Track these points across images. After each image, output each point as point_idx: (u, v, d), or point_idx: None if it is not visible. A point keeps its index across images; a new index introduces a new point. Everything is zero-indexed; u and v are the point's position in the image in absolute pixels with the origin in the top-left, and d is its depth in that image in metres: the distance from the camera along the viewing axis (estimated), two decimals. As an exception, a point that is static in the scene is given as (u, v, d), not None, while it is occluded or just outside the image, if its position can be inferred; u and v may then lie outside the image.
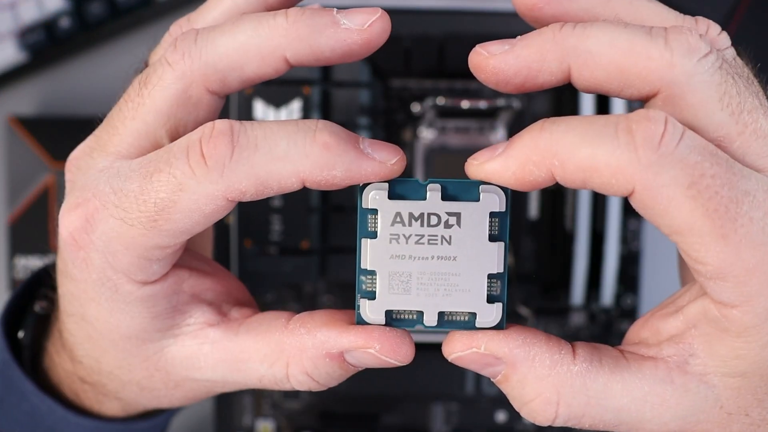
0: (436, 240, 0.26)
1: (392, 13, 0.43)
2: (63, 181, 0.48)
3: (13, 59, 0.48)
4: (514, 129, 0.43)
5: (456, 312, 0.26)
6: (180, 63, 0.26)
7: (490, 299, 0.26)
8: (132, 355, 0.28)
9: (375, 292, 0.26)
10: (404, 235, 0.25)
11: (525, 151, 0.24)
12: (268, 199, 0.40)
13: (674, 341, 0.25)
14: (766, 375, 0.24)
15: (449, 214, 0.26)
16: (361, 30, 0.25)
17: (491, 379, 0.26)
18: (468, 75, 0.42)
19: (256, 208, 0.40)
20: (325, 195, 0.40)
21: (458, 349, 0.26)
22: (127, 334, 0.28)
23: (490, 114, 0.43)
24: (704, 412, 0.25)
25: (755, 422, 0.25)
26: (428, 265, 0.26)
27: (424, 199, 0.26)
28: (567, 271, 0.42)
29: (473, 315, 0.26)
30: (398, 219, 0.25)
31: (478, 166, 0.25)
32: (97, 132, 0.28)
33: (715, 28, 0.28)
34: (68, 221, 0.27)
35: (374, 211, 0.25)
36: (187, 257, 0.29)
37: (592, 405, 0.25)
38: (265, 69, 0.26)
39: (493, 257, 0.26)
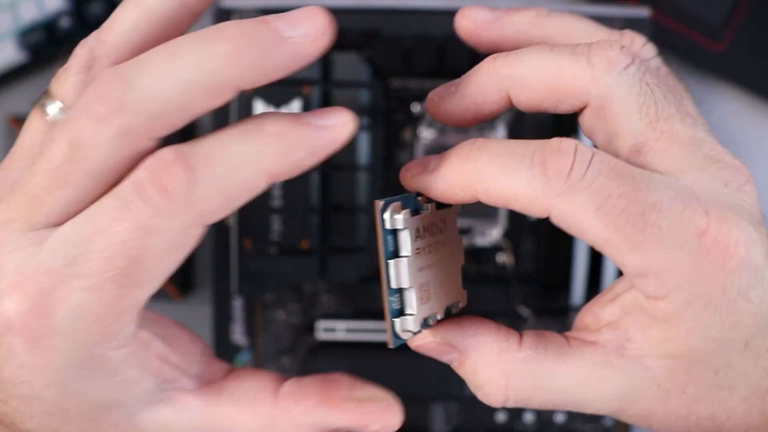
0: (437, 246, 0.28)
1: (392, 13, 0.43)
2: (63, 181, 0.48)
3: (13, 59, 0.48)
4: (514, 128, 0.43)
5: (452, 305, 0.29)
6: (116, 119, 0.23)
7: (463, 285, 0.29)
8: (100, 422, 0.26)
9: (409, 307, 0.27)
10: (423, 248, 0.27)
11: (452, 176, 0.26)
12: (268, 199, 0.40)
13: (612, 327, 0.27)
14: (695, 356, 0.26)
15: (440, 221, 0.28)
16: (311, 42, 0.24)
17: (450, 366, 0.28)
18: (468, 75, 0.43)
19: (256, 208, 0.40)
20: (325, 195, 0.40)
21: (419, 338, 0.28)
22: (99, 405, 0.25)
23: (490, 114, 0.43)
24: (643, 390, 0.27)
25: (691, 398, 0.26)
26: (436, 270, 0.27)
27: (427, 210, 0.27)
28: (567, 271, 0.42)
29: (457, 303, 0.29)
30: (418, 233, 0.27)
31: (410, 178, 0.27)
32: (12, 200, 0.24)
33: (639, 40, 0.30)
34: (16, 305, 0.23)
35: (397, 231, 0.26)
36: (151, 322, 0.27)
37: (539, 388, 0.27)
38: (217, 102, 0.24)
39: (461, 249, 0.29)
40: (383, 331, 0.43)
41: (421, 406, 0.44)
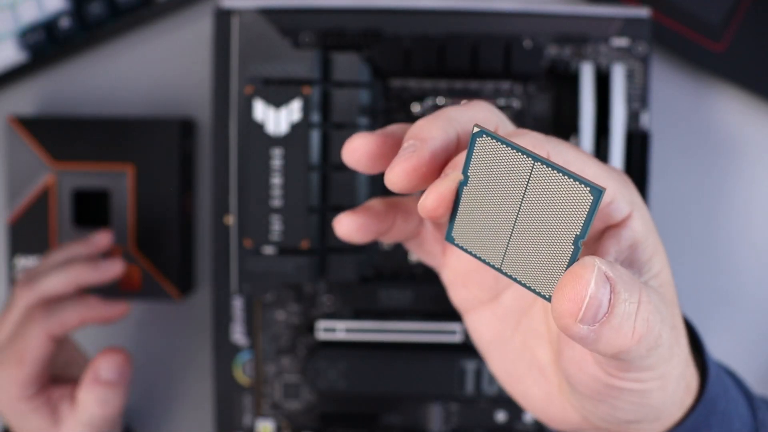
0: None
1: (392, 13, 0.43)
2: (63, 180, 0.48)
3: (13, 59, 0.48)
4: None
5: None
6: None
7: None
8: None
9: None
10: None
11: None
12: (268, 198, 0.40)
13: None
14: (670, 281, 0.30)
15: None
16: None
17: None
18: (468, 75, 0.43)
19: (256, 208, 0.40)
20: (325, 195, 0.40)
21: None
22: None
23: (490, 114, 0.43)
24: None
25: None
26: None
27: None
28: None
29: None
30: None
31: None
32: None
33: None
34: None
35: None
36: (61, 357, 0.47)
37: None
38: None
39: None
40: (383, 331, 0.43)
41: (421, 406, 0.44)
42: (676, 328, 0.29)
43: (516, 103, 0.43)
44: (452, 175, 0.26)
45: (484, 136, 0.25)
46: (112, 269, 0.44)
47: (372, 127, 0.41)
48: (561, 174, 0.24)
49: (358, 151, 0.30)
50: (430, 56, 0.42)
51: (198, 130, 0.50)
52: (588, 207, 0.24)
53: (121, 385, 0.43)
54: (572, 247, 0.24)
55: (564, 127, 0.43)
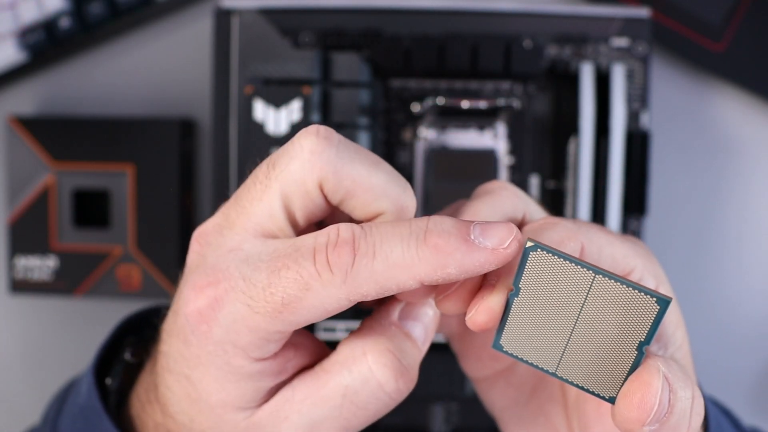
0: None
1: (392, 13, 0.43)
2: (63, 180, 0.48)
3: (13, 59, 0.48)
4: (514, 128, 0.43)
5: None
6: (314, 158, 0.28)
7: None
8: (225, 421, 0.29)
9: None
10: None
11: None
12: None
13: None
14: None
15: None
16: (496, 251, 0.26)
17: None
18: (468, 75, 0.43)
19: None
20: (325, 195, 0.40)
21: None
22: (227, 402, 0.29)
23: (490, 114, 0.43)
24: None
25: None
26: None
27: None
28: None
29: None
30: None
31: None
32: (225, 210, 0.30)
33: None
34: (196, 299, 0.28)
35: None
36: (294, 336, 0.30)
37: None
38: (403, 288, 0.27)
39: None
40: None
41: (421, 406, 0.44)
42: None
43: (516, 103, 0.43)
44: (502, 287, 0.27)
45: (539, 250, 0.25)
46: (514, 248, 0.26)
47: (372, 127, 0.41)
48: (625, 286, 0.25)
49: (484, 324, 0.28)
50: (430, 56, 0.42)
51: (198, 130, 0.50)
52: (654, 316, 0.25)
53: (425, 350, 0.31)
54: (636, 352, 0.26)
55: (564, 127, 0.43)
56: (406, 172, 0.44)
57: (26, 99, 0.51)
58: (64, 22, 0.48)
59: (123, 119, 0.48)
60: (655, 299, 0.24)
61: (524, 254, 0.25)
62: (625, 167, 0.42)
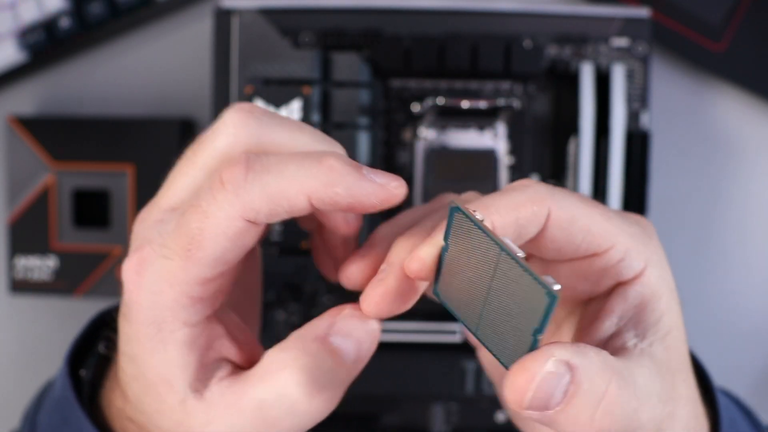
0: None
1: (392, 13, 0.43)
2: (63, 180, 0.48)
3: (13, 59, 0.48)
4: (514, 128, 0.43)
5: None
6: (238, 130, 0.29)
7: None
8: (164, 402, 0.29)
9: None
10: None
11: None
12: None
13: (628, 333, 0.29)
14: (674, 334, 0.29)
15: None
16: (383, 186, 0.28)
17: None
18: (468, 75, 0.43)
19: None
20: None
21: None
22: (161, 377, 0.29)
23: (490, 114, 0.43)
24: (675, 377, 0.29)
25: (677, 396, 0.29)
26: None
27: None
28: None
29: None
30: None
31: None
32: (159, 191, 0.31)
33: None
34: (126, 267, 0.29)
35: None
36: (225, 318, 0.31)
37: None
38: (293, 211, 0.28)
39: None
40: (383, 331, 0.43)
41: (421, 406, 0.44)
42: (674, 399, 0.28)
43: (516, 103, 0.43)
44: (434, 241, 0.28)
45: (460, 212, 0.26)
46: (400, 191, 0.28)
47: (372, 127, 0.41)
48: (521, 269, 0.24)
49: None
50: (430, 56, 0.42)
51: (198, 130, 0.50)
52: (544, 307, 0.24)
53: (356, 368, 0.30)
54: (531, 338, 0.25)
55: (564, 127, 0.43)
56: (406, 172, 0.44)
57: (26, 99, 0.51)
58: (64, 22, 0.48)
59: (123, 119, 0.48)
60: (544, 291, 0.24)
61: (450, 213, 0.26)
62: (625, 167, 0.42)
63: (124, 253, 0.48)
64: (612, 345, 0.29)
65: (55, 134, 0.48)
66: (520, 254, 0.24)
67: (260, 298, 0.36)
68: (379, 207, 0.28)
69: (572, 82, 0.43)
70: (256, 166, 0.27)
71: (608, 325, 0.29)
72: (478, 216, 0.26)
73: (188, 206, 0.28)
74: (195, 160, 0.30)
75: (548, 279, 0.24)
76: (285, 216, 0.27)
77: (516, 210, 0.27)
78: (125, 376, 0.30)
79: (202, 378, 0.29)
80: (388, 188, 0.27)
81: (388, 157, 0.44)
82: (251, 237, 0.28)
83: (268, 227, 0.34)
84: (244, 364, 0.30)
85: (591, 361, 0.25)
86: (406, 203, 0.44)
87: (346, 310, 0.29)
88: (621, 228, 0.29)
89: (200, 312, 0.29)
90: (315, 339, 0.29)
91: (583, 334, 0.30)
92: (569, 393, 0.25)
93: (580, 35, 0.43)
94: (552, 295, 0.23)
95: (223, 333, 0.30)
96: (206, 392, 0.29)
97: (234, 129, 0.29)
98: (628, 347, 0.28)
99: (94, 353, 0.35)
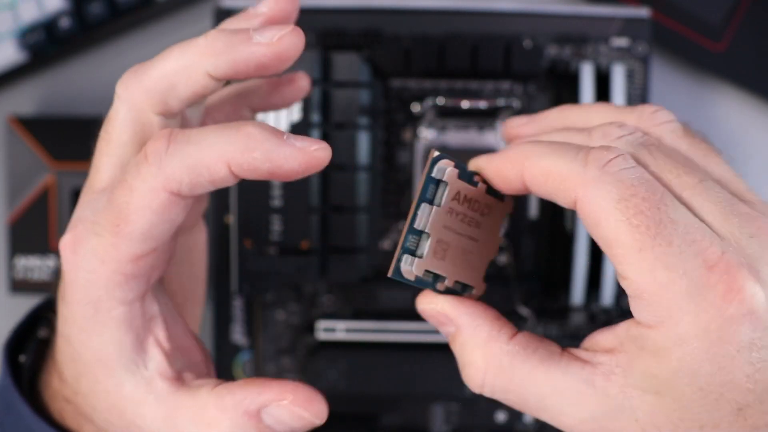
0: (472, 222, 0.29)
1: (392, 13, 0.43)
2: (63, 181, 0.48)
3: (13, 59, 0.48)
4: (514, 129, 0.43)
5: (463, 283, 0.30)
6: (125, 93, 0.30)
7: (485, 279, 0.31)
8: (99, 382, 0.30)
9: (421, 252, 0.28)
10: (457, 211, 0.28)
11: (507, 153, 0.29)
12: (268, 198, 0.40)
13: (607, 353, 0.27)
14: (679, 399, 0.25)
15: (485, 205, 0.30)
16: (270, 44, 0.28)
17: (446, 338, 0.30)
18: (468, 75, 0.43)
19: (256, 208, 0.40)
20: (325, 195, 0.40)
21: (424, 303, 0.30)
22: (98, 358, 0.29)
23: (490, 114, 0.43)
24: (620, 420, 0.26)
25: None
26: (461, 240, 0.29)
27: (476, 186, 0.29)
28: (567, 271, 0.42)
29: (470, 287, 0.30)
30: (457, 197, 0.28)
31: (474, 160, 0.30)
32: (89, 175, 0.31)
33: (649, 110, 0.30)
34: (61, 246, 0.29)
35: (441, 184, 0.28)
36: (162, 306, 0.31)
37: (516, 385, 0.28)
38: (195, 86, 0.29)
39: (496, 247, 0.31)
40: (383, 331, 0.43)
41: (421, 406, 0.44)
42: None
43: (516, 103, 0.43)
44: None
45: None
46: (287, 41, 0.28)
47: (372, 127, 0.41)
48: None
49: None
50: (430, 56, 0.42)
51: (198, 130, 0.50)
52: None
53: None
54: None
55: (564, 127, 0.43)
56: (406, 172, 0.44)
57: (26, 99, 0.51)
58: (64, 22, 0.48)
59: (123, 119, 0.48)
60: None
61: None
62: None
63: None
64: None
65: (55, 134, 0.48)
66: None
67: (204, 281, 0.37)
68: (301, 172, 0.27)
69: (572, 82, 0.43)
70: (178, 138, 0.27)
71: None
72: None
73: (116, 183, 0.28)
74: (109, 139, 0.30)
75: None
76: (209, 186, 0.28)
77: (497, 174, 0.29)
78: (62, 357, 0.31)
79: (137, 360, 0.30)
80: (309, 151, 0.27)
81: (388, 157, 0.44)
82: (178, 210, 0.28)
83: (203, 203, 0.35)
84: (170, 352, 0.31)
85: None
86: (407, 201, 0.44)
87: (287, 399, 0.29)
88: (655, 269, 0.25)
89: (134, 289, 0.29)
90: (245, 413, 0.29)
91: None
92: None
93: (580, 35, 0.43)
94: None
95: (158, 314, 0.31)
96: (141, 377, 0.29)
97: (125, 95, 0.29)
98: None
99: (33, 339, 0.35)
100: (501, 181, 0.29)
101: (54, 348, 0.32)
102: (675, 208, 0.25)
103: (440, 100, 0.43)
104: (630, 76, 0.43)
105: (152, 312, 0.30)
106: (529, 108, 0.44)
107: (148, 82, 0.29)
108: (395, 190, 0.44)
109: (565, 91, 0.43)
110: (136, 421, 0.29)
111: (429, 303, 0.30)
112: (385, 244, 0.44)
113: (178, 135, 0.28)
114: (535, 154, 0.28)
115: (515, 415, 0.44)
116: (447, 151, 0.42)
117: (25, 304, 0.51)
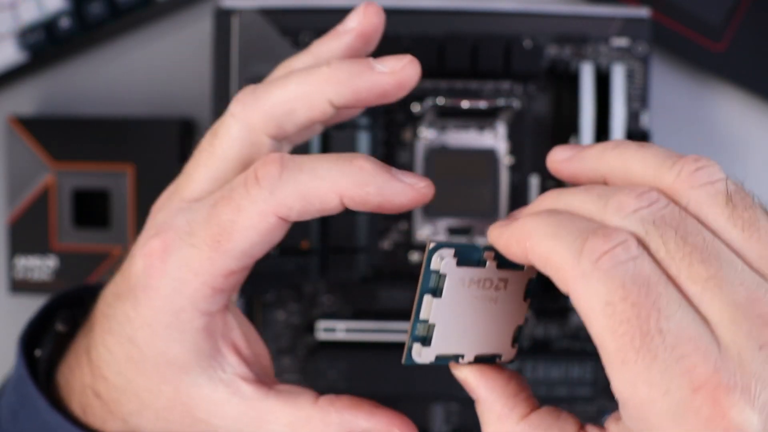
0: (486, 299, 0.29)
1: (392, 13, 0.43)
2: (63, 180, 0.48)
3: (13, 59, 0.48)
4: (514, 128, 0.43)
5: (487, 355, 0.29)
6: (241, 113, 0.30)
7: (513, 343, 0.30)
8: (167, 382, 0.30)
9: (430, 339, 0.28)
10: (462, 298, 0.28)
11: (512, 230, 0.27)
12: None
13: None
14: None
15: (500, 280, 0.29)
16: (392, 73, 0.30)
17: None
18: (468, 75, 0.43)
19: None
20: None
21: (452, 369, 0.30)
22: (171, 362, 0.30)
23: (490, 114, 0.43)
24: None
25: None
26: (477, 316, 0.29)
27: (484, 266, 0.28)
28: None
29: (499, 356, 0.30)
30: (462, 282, 0.28)
31: (490, 230, 0.28)
32: (177, 180, 0.31)
33: (690, 169, 0.26)
34: (148, 247, 0.29)
35: (439, 273, 0.28)
36: (236, 315, 0.32)
37: None
38: (314, 113, 0.30)
39: (523, 312, 0.30)
40: (383, 331, 0.43)
41: (421, 406, 0.44)
42: None
43: (516, 103, 0.43)
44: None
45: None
46: (408, 70, 0.30)
47: (372, 127, 0.41)
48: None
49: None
50: (430, 56, 0.42)
51: (198, 130, 0.50)
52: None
53: None
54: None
55: (564, 127, 0.43)
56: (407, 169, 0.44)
57: (26, 99, 0.51)
58: (64, 22, 0.48)
59: (123, 119, 0.48)
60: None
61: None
62: (625, 167, 0.42)
63: (124, 253, 0.48)
64: None
65: (55, 134, 0.48)
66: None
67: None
68: (408, 206, 0.28)
69: (572, 82, 0.43)
70: (290, 165, 0.28)
71: None
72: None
73: (219, 198, 0.29)
74: (213, 151, 0.30)
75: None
76: (315, 214, 0.28)
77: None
78: (111, 355, 0.31)
79: (214, 364, 0.30)
80: (417, 188, 0.28)
81: (388, 157, 0.44)
82: (279, 233, 0.29)
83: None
84: (248, 358, 0.31)
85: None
86: (406, 203, 0.44)
87: None
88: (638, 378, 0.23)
89: (219, 302, 0.30)
90: None
91: None
92: None
93: (580, 35, 0.43)
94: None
95: (234, 321, 0.31)
96: (220, 380, 0.30)
97: (242, 114, 0.30)
98: None
99: (50, 331, 0.35)
100: (512, 257, 0.27)
101: (87, 342, 0.32)
102: (669, 314, 0.23)
103: (440, 100, 0.43)
104: (630, 76, 0.43)
105: (230, 319, 0.31)
106: (529, 108, 0.44)
107: (267, 106, 0.30)
108: (395, 190, 0.44)
109: (565, 91, 0.43)
110: (211, 420, 0.30)
111: (454, 370, 0.30)
112: (385, 244, 0.44)
113: (290, 161, 0.28)
114: (536, 235, 0.25)
115: (515, 415, 0.44)
116: (446, 151, 0.42)
117: (25, 304, 0.51)
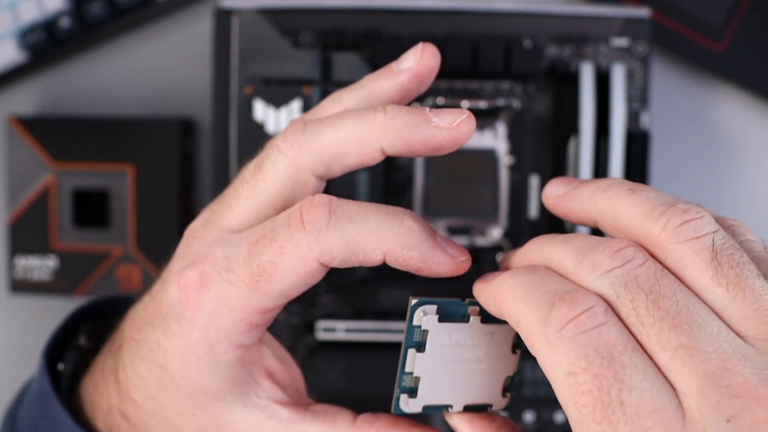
0: (472, 352, 0.29)
1: (392, 13, 0.43)
2: (63, 180, 0.48)
3: (13, 59, 0.48)
4: (514, 128, 0.43)
5: (477, 404, 0.30)
6: (290, 151, 0.29)
7: (504, 393, 0.30)
8: (200, 408, 0.30)
9: (416, 390, 0.29)
10: (448, 351, 0.28)
11: (490, 288, 0.27)
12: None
13: None
14: None
15: (486, 333, 0.29)
16: (449, 128, 0.28)
17: None
18: (468, 75, 0.43)
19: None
20: (325, 195, 0.40)
21: (445, 416, 0.30)
22: (204, 390, 0.30)
23: (490, 114, 0.43)
24: None
25: None
26: (463, 369, 0.29)
27: (467, 322, 0.28)
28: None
29: (489, 405, 0.30)
30: (446, 338, 0.28)
31: (474, 286, 0.29)
32: (213, 206, 0.31)
33: (682, 219, 0.25)
34: (183, 277, 0.29)
35: (424, 330, 0.28)
36: (269, 342, 0.32)
37: None
38: (364, 158, 0.29)
39: (513, 363, 0.30)
40: (383, 331, 0.43)
41: (421, 406, 0.44)
42: None
43: (516, 103, 0.43)
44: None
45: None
46: (465, 126, 0.28)
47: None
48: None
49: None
50: (430, 56, 0.42)
51: (198, 130, 0.50)
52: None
53: None
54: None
55: (564, 127, 0.43)
56: (406, 172, 0.44)
57: (26, 99, 0.51)
58: (64, 22, 0.48)
59: (123, 119, 0.48)
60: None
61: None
62: (625, 167, 0.42)
63: (125, 254, 0.48)
64: None
65: (55, 134, 0.48)
66: None
67: None
68: (444, 276, 0.28)
69: (572, 82, 0.43)
70: (338, 212, 0.27)
71: None
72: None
73: (261, 237, 0.28)
74: (256, 185, 0.29)
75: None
76: (355, 264, 0.28)
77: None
78: (141, 380, 0.30)
79: (248, 391, 0.30)
80: (458, 261, 0.28)
81: (388, 157, 0.44)
82: (318, 276, 0.28)
83: None
84: (286, 381, 0.32)
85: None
86: (406, 205, 0.44)
87: None
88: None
89: (254, 336, 0.30)
90: None
91: None
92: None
93: (580, 35, 0.43)
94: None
95: (269, 353, 0.31)
96: (254, 405, 0.30)
97: (290, 152, 0.29)
98: None
99: (73, 346, 0.35)
100: (493, 314, 0.27)
101: (115, 364, 0.32)
102: (632, 385, 0.22)
103: (440, 100, 0.43)
104: (630, 76, 0.43)
105: (263, 348, 0.31)
106: (529, 108, 0.44)
107: (318, 146, 0.29)
108: (395, 191, 0.44)
109: (565, 91, 0.43)
110: None
111: (446, 416, 0.30)
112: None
113: (339, 209, 0.28)
114: (509, 297, 0.26)
115: (515, 414, 0.44)
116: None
117: (25, 304, 0.51)
